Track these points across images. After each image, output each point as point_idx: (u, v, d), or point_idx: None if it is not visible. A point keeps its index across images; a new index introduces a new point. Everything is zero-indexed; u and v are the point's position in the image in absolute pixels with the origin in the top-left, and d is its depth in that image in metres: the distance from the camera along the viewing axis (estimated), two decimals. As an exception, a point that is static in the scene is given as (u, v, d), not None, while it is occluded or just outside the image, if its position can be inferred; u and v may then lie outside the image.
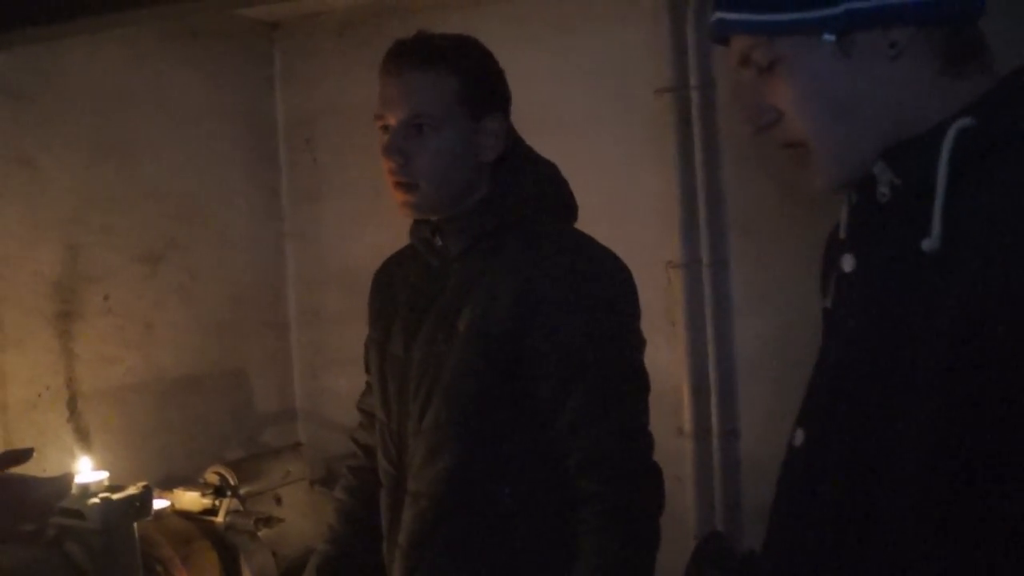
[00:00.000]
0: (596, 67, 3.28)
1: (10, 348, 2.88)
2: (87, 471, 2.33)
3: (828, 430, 1.17)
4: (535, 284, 1.80)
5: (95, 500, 2.26)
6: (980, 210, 1.04)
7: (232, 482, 3.00)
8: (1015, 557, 0.98)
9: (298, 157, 3.89)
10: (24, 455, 1.67)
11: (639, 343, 1.89)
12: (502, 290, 1.82)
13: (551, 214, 1.94)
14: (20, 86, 2.93)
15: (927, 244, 1.06)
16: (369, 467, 2.12)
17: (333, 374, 3.84)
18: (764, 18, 1.16)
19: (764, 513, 1.28)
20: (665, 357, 3.12)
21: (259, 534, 2.91)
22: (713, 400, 3.16)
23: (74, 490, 2.21)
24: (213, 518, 2.90)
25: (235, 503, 2.94)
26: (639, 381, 1.87)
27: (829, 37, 1.13)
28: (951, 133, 1.08)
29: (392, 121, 1.84)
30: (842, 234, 1.25)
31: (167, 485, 3.02)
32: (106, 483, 2.33)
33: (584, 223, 2.00)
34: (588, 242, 1.90)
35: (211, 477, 3.03)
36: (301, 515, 3.15)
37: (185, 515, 2.91)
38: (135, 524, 2.35)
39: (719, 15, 1.22)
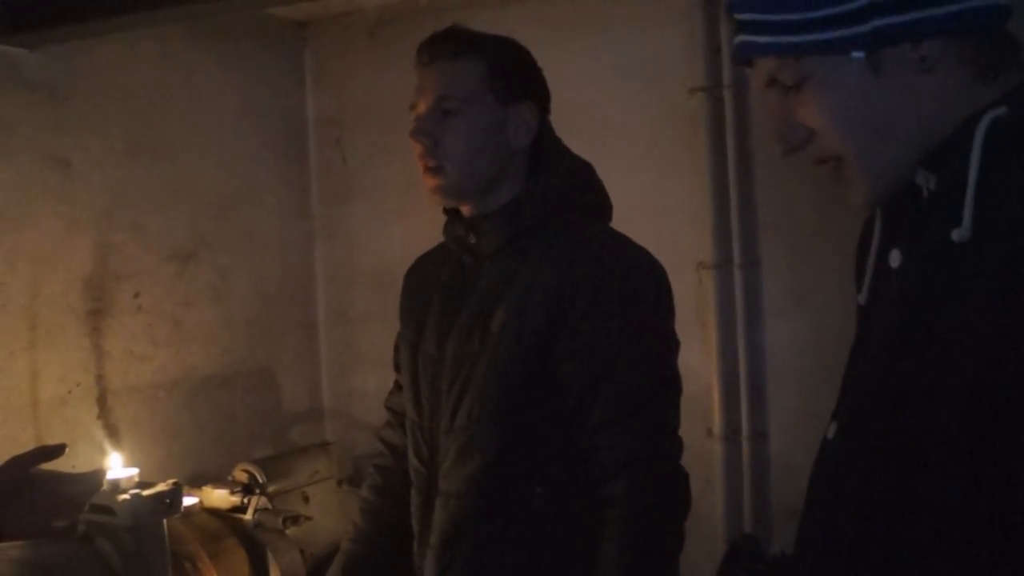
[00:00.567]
0: (629, 66, 3.26)
1: (42, 345, 2.90)
2: (117, 468, 2.35)
3: (860, 422, 1.16)
4: (568, 283, 1.79)
5: (125, 497, 2.27)
6: (1010, 198, 1.03)
7: (261, 480, 3.01)
8: None
9: (328, 157, 3.89)
10: (56, 451, 1.68)
11: (673, 345, 1.88)
12: (535, 289, 1.81)
13: (586, 213, 1.93)
14: (54, 85, 2.95)
15: (957, 234, 1.06)
16: (396, 466, 2.12)
17: (361, 373, 3.84)
18: (791, 39, 1.15)
19: (794, 515, 1.28)
20: (696, 358, 3.10)
21: (287, 532, 2.91)
22: (743, 402, 3.14)
23: (105, 486, 2.22)
24: (241, 516, 2.91)
25: (263, 501, 2.95)
26: (671, 384, 1.86)
27: (858, 55, 1.12)
28: (984, 122, 1.07)
29: (422, 108, 1.87)
30: (878, 231, 1.24)
31: (196, 482, 3.03)
32: (136, 480, 2.34)
33: (616, 223, 1.99)
34: (623, 241, 1.89)
35: (240, 475, 3.04)
36: (329, 514, 3.15)
37: (214, 512, 2.92)
38: (165, 521, 2.36)
39: (743, 38, 1.21)
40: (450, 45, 1.87)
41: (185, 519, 2.69)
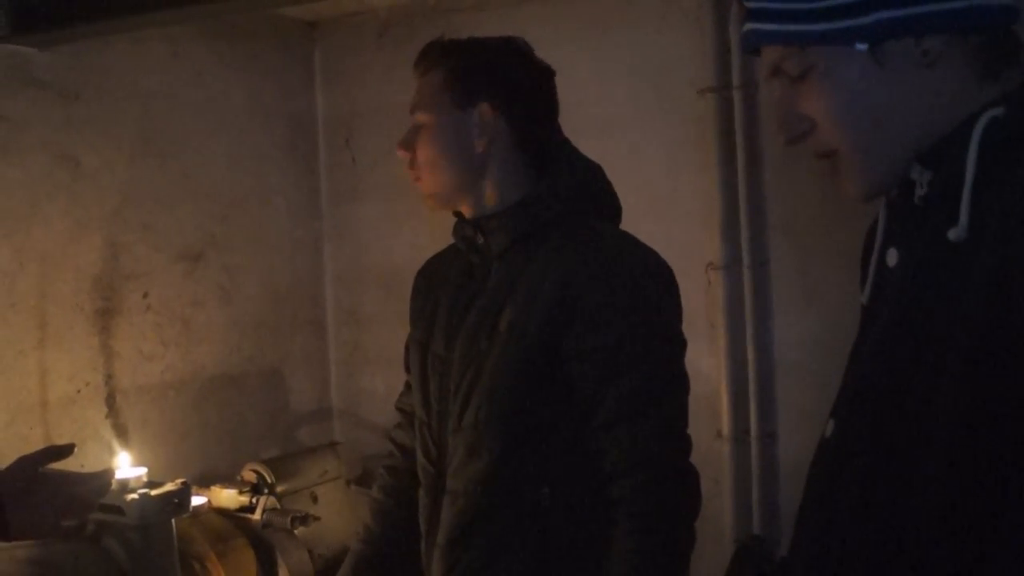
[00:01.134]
0: (638, 67, 3.26)
1: (51, 344, 2.90)
2: (126, 467, 2.35)
3: (857, 420, 1.17)
4: (575, 283, 1.80)
5: (134, 496, 2.28)
6: (1006, 198, 1.03)
7: (269, 480, 3.01)
8: None
9: (337, 157, 3.90)
10: (66, 451, 1.68)
11: (680, 344, 1.88)
12: (543, 289, 1.82)
13: (594, 214, 1.93)
14: (64, 84, 2.96)
15: (953, 234, 1.06)
16: (406, 467, 2.13)
17: (370, 373, 3.85)
18: (796, 28, 1.16)
19: (802, 516, 1.27)
20: (704, 359, 3.10)
21: (295, 532, 2.91)
22: (752, 403, 3.14)
23: (113, 486, 2.22)
24: (250, 516, 2.91)
25: (272, 501, 2.95)
26: (678, 383, 1.86)
27: (861, 47, 1.13)
28: (981, 122, 1.08)
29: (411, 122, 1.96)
30: (880, 230, 1.25)
31: (204, 482, 3.03)
32: (145, 479, 2.34)
33: (625, 223, 1.99)
34: (630, 241, 1.90)
35: (248, 475, 3.04)
36: (337, 514, 3.15)
37: (222, 512, 2.92)
38: (173, 520, 2.37)
39: (751, 26, 1.21)
40: (422, 61, 1.94)
41: (193, 519, 2.69)
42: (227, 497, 2.95)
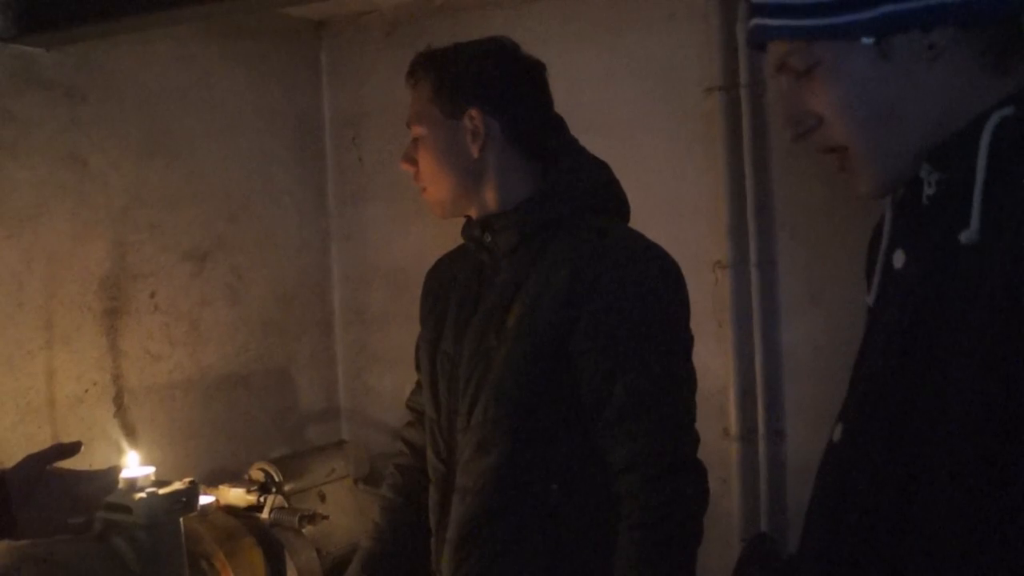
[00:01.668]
0: (645, 65, 3.25)
1: (58, 344, 2.91)
2: (134, 466, 2.35)
3: (867, 424, 1.16)
4: (584, 280, 1.81)
5: (142, 495, 2.28)
6: (1016, 201, 1.03)
7: (277, 479, 3.01)
8: None
9: (344, 157, 3.90)
10: (72, 449, 1.68)
11: (687, 340, 1.89)
12: (551, 286, 1.82)
13: (602, 212, 1.94)
14: (71, 84, 2.96)
15: (965, 236, 1.05)
16: (416, 466, 2.13)
17: (377, 373, 3.85)
18: (802, 23, 1.15)
19: (810, 515, 1.27)
20: (712, 358, 3.09)
21: (303, 531, 2.92)
22: (759, 401, 3.13)
23: (121, 485, 2.22)
24: (258, 514, 2.91)
25: (280, 500, 2.95)
26: (686, 379, 1.86)
27: (867, 40, 1.12)
28: (991, 122, 1.07)
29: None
30: (886, 231, 1.24)
31: (212, 481, 3.04)
32: (152, 478, 2.34)
33: (632, 222, 2.00)
34: (637, 239, 1.90)
35: (256, 474, 3.04)
36: (345, 513, 3.15)
37: (230, 511, 2.93)
38: (181, 520, 2.37)
39: (757, 21, 1.21)
40: (411, 75, 1.98)
41: (201, 518, 2.69)
42: (235, 496, 2.96)
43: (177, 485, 2.35)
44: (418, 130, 1.96)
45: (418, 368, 2.13)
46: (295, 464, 3.15)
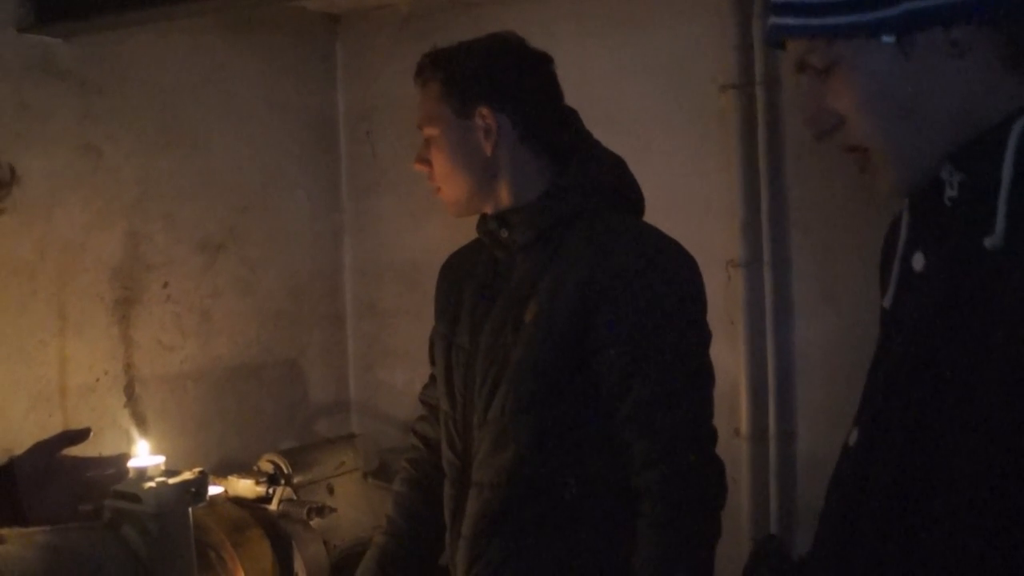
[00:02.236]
0: (659, 62, 3.24)
1: (70, 333, 2.92)
2: (144, 455, 2.35)
3: (883, 429, 1.14)
4: (599, 275, 1.81)
5: (151, 484, 2.28)
6: None
7: (286, 471, 3.02)
8: None
9: (358, 150, 3.90)
10: (80, 436, 1.69)
11: (705, 336, 1.89)
12: (567, 282, 1.82)
13: (617, 207, 1.94)
14: (87, 76, 2.97)
15: (989, 242, 1.04)
16: (429, 460, 2.14)
17: (388, 366, 3.85)
18: (822, 22, 1.14)
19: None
20: (724, 357, 3.05)
21: (312, 523, 2.92)
22: (771, 401, 3.12)
23: (131, 474, 2.23)
24: (266, 506, 2.92)
25: (288, 492, 2.95)
26: (703, 374, 1.86)
27: (888, 38, 1.10)
28: (1018, 126, 1.05)
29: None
30: (904, 232, 1.22)
31: (222, 472, 3.05)
32: (162, 468, 2.34)
33: (645, 219, 1.99)
34: (653, 234, 1.90)
35: (265, 465, 3.05)
36: (353, 506, 3.15)
37: (239, 502, 2.93)
38: (190, 509, 2.37)
39: (775, 20, 1.20)
40: (419, 75, 1.99)
41: (210, 508, 2.69)
42: (244, 487, 2.96)
43: (186, 475, 2.34)
44: (430, 131, 1.96)
45: (432, 362, 2.13)
46: (304, 456, 3.15)
